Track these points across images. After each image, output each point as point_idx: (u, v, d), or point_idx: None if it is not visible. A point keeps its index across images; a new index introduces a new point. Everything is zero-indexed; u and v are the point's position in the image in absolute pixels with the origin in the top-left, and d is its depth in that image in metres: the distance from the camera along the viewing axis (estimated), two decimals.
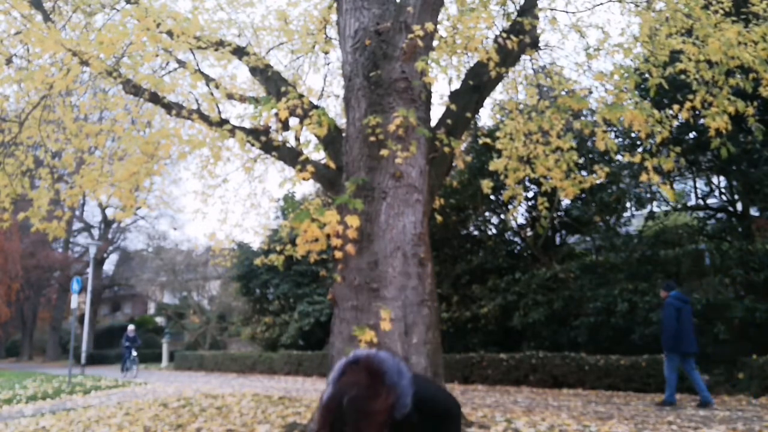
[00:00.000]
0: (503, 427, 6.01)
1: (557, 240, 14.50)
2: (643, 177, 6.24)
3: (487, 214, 14.65)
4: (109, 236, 36.24)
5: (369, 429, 1.63)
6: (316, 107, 6.49)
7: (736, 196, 12.10)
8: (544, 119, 6.98)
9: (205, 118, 6.43)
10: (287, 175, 8.94)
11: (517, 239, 14.84)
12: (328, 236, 5.59)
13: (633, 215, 14.21)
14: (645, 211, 13.65)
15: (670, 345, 7.69)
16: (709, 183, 13.05)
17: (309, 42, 8.24)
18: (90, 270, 22.44)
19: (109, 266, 38.86)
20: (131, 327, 20.05)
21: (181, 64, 7.14)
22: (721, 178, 12.46)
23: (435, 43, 6.62)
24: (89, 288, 23.41)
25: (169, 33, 5.94)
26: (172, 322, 31.03)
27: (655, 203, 13.57)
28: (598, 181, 9.76)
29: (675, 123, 8.58)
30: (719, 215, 12.77)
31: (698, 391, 7.65)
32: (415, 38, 5.72)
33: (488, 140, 8.65)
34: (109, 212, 33.29)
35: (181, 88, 6.50)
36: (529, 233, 13.93)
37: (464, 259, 14.48)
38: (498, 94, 9.14)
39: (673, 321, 7.58)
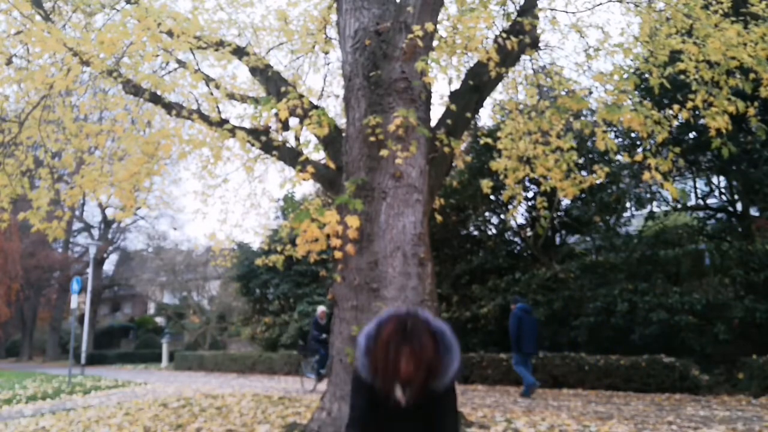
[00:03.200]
0: (503, 427, 6.01)
1: (557, 240, 14.50)
2: (646, 176, 6.24)
3: (487, 214, 14.64)
4: (109, 236, 36.28)
5: (419, 355, 1.95)
6: (316, 107, 6.49)
7: (736, 196, 12.10)
8: (544, 119, 6.97)
9: (205, 118, 6.43)
10: (287, 175, 8.94)
11: (517, 239, 14.83)
12: (328, 236, 5.59)
13: (633, 215, 14.21)
14: (645, 211, 13.64)
15: (515, 346, 9.50)
16: (709, 183, 13.04)
17: (309, 42, 8.24)
18: (90, 270, 22.43)
19: (109, 266, 38.96)
20: (322, 309, 12.19)
21: (181, 64, 7.14)
22: (721, 178, 12.45)
23: (435, 43, 6.62)
24: (89, 288, 23.41)
25: (169, 33, 5.94)
26: (172, 322, 31.04)
27: (655, 203, 13.57)
28: (598, 181, 9.76)
29: (675, 123, 8.57)
30: (719, 215, 12.76)
31: (523, 380, 9.59)
32: (415, 38, 5.72)
33: (488, 140, 8.65)
34: (109, 212, 33.37)
35: (181, 88, 6.50)
36: (529, 233, 13.92)
37: (464, 259, 14.48)
38: (498, 94, 9.13)
39: (515, 327, 9.40)
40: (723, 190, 12.58)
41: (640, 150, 10.61)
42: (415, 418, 2.12)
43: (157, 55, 6.22)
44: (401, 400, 2.06)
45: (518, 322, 9.37)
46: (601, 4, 7.80)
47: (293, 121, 6.67)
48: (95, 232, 35.60)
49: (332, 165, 6.27)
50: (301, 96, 6.43)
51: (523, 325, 9.36)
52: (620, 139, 11.96)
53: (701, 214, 12.98)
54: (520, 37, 6.42)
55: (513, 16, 7.05)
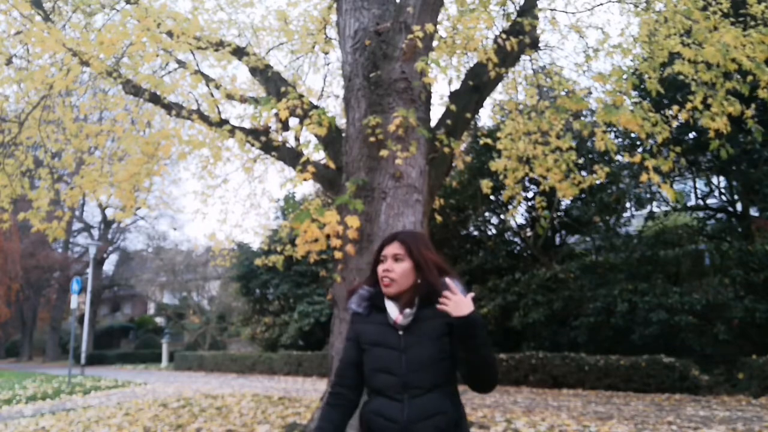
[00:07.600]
0: (503, 427, 6.02)
1: (557, 240, 14.50)
2: (643, 177, 6.24)
3: (486, 214, 14.64)
4: (109, 236, 36.26)
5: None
6: (316, 107, 6.48)
7: (736, 197, 12.11)
8: (544, 120, 6.97)
9: (205, 119, 6.43)
10: (287, 175, 8.95)
11: (517, 239, 14.83)
12: (328, 236, 5.59)
13: (633, 215, 14.21)
14: (645, 211, 13.65)
15: None
16: (709, 183, 13.05)
17: (309, 42, 8.25)
18: (90, 270, 22.43)
19: (109, 266, 38.92)
20: None
21: (181, 64, 7.14)
22: (721, 178, 12.46)
23: (435, 43, 6.61)
24: (89, 288, 23.41)
25: (169, 33, 5.94)
26: (172, 322, 31.03)
27: (655, 203, 13.57)
28: (597, 181, 9.76)
29: (675, 124, 8.57)
30: (719, 215, 12.77)
31: None
32: (414, 38, 5.72)
33: (488, 140, 8.66)
34: (109, 212, 33.34)
35: (181, 88, 6.49)
36: (529, 233, 13.93)
37: (464, 260, 14.48)
38: (498, 94, 9.14)
39: None
40: (723, 191, 12.58)
41: (640, 150, 10.61)
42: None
43: (157, 56, 6.21)
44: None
45: None
46: (600, 4, 7.81)
47: (293, 121, 6.67)
48: (95, 233, 35.59)
49: (332, 165, 6.27)
50: (301, 96, 6.43)
51: None
52: (620, 140, 11.96)
53: (701, 214, 12.98)
54: (520, 37, 6.42)
55: (513, 17, 7.05)
